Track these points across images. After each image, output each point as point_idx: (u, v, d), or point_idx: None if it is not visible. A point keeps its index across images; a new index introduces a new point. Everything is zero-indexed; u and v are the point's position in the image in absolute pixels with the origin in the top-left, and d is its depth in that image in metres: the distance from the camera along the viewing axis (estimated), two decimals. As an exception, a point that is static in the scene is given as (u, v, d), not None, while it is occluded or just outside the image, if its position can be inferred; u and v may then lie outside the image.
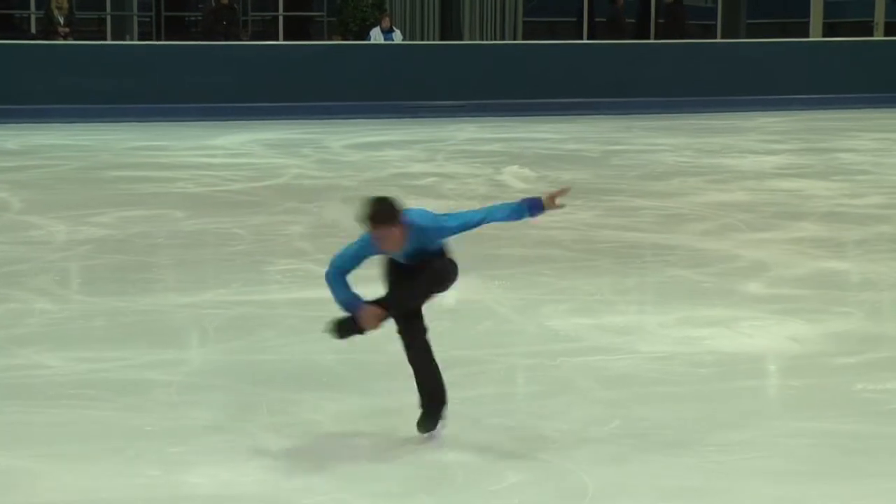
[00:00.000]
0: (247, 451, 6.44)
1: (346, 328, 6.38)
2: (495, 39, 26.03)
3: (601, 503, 5.88)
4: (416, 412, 6.43)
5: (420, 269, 6.29)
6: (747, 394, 7.53)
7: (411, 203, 13.45)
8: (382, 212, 6.19)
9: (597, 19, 26.92)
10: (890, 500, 5.93)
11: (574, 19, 26.95)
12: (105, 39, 25.33)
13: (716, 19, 28.63)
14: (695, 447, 6.54)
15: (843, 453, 6.52)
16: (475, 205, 13.00)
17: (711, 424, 6.87)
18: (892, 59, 24.74)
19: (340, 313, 6.34)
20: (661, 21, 26.86)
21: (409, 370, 6.43)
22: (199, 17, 25.51)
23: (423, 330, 6.40)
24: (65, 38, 22.45)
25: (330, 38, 25.14)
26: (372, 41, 23.93)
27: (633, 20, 27.06)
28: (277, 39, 26.04)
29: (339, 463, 6.26)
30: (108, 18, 26.03)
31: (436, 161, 16.75)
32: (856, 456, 6.47)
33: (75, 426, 6.83)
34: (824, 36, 26.92)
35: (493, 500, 5.89)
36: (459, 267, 6.42)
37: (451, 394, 6.56)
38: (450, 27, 26.28)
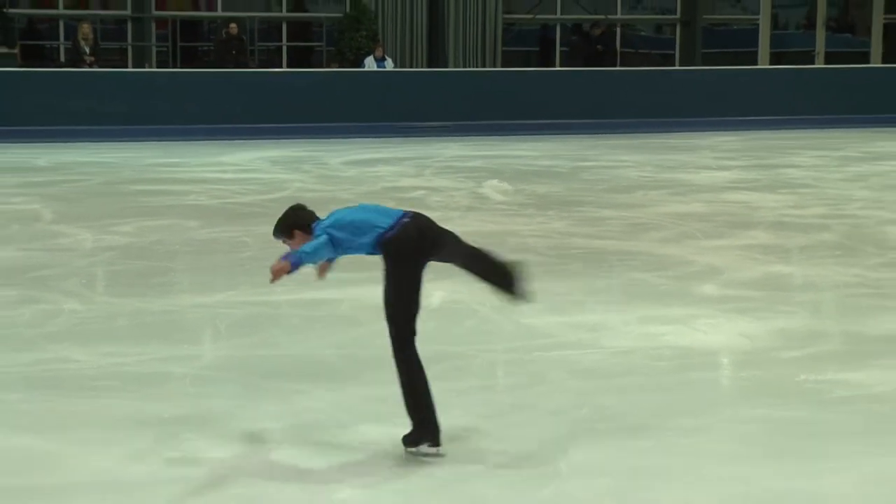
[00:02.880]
0: (254, 436, 6.44)
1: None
2: (477, 67, 26.06)
3: (573, 481, 5.90)
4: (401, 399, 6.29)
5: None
6: (702, 384, 7.55)
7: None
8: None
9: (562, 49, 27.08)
10: (829, 479, 5.95)
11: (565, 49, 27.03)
12: (126, 67, 25.33)
13: (675, 49, 28.70)
14: (655, 432, 6.55)
15: (788, 437, 6.54)
16: (459, 215, 13.06)
17: (670, 412, 6.89)
18: (831, 84, 24.84)
19: None
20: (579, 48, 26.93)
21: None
22: (211, 47, 25.50)
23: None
24: (90, 66, 22.46)
25: (329, 66, 25.15)
26: (366, 69, 23.96)
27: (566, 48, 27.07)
28: (281, 67, 26.06)
29: (336, 446, 6.26)
30: (129, 48, 26.01)
31: (424, 176, 16.76)
32: (799, 439, 6.49)
33: (100, 414, 6.83)
34: (771, 64, 26.98)
35: (476, 478, 5.91)
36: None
37: (439, 385, 6.54)
38: (436, 56, 26.31)
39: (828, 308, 9.62)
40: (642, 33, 29.99)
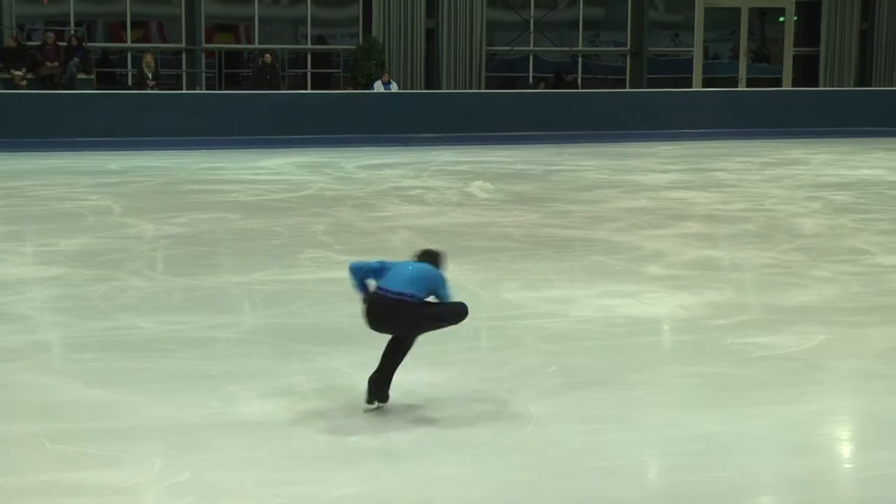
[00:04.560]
0: (285, 389, 6.43)
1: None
2: (465, 89, 26.02)
3: (543, 427, 5.88)
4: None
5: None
6: (648, 347, 7.55)
7: (402, 208, 13.41)
8: None
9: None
10: (750, 423, 5.94)
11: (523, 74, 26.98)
12: (181, 89, 25.26)
13: (626, 74, 28.69)
14: (610, 385, 6.55)
15: (717, 389, 6.53)
16: (450, 209, 13.04)
17: (622, 369, 6.88)
18: (752, 104, 24.88)
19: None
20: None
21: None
22: (250, 73, 25.43)
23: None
24: (152, 88, 22.40)
25: (345, 88, 25.10)
26: (375, 90, 23.91)
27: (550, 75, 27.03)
28: (307, 89, 26.00)
29: (351, 398, 6.24)
30: (184, 74, 25.94)
31: (422, 178, 16.73)
32: (726, 391, 6.49)
33: (160, 370, 6.82)
34: (704, 87, 26.97)
35: (462, 422, 5.89)
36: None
37: (434, 347, 6.56)
38: (432, 80, 26.29)
39: (749, 284, 9.61)
40: (599, 63, 29.97)
